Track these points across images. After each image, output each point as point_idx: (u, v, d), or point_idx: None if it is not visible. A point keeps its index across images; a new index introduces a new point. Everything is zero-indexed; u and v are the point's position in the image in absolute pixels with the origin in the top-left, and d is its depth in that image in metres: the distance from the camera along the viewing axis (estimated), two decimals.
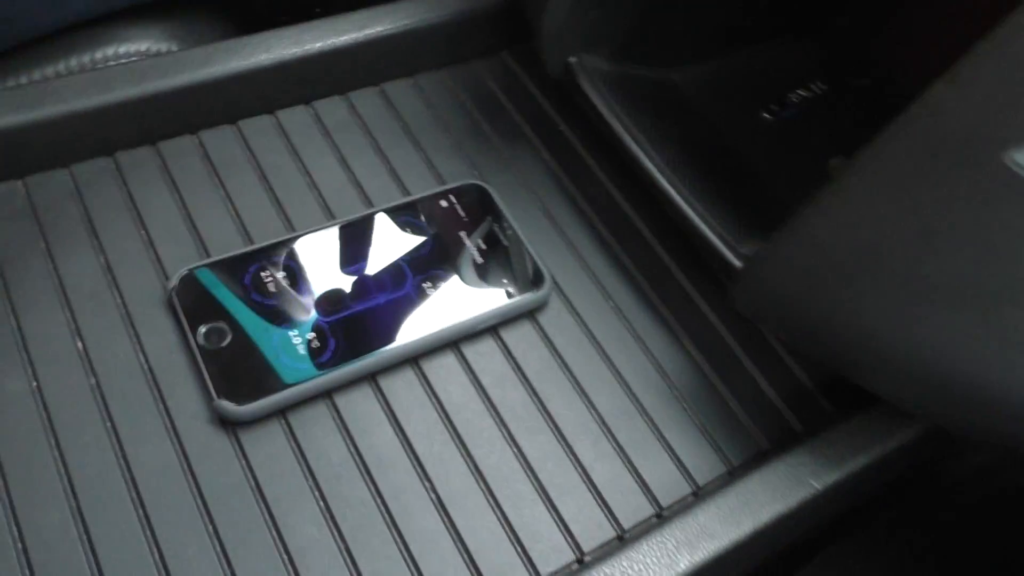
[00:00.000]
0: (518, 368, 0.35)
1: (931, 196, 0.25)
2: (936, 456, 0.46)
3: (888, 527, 0.44)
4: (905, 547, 0.45)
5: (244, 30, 0.50)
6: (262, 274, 0.35)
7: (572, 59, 0.39)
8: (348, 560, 0.30)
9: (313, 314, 0.34)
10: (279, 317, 0.34)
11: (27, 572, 0.28)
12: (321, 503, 0.31)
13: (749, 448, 0.34)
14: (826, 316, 0.28)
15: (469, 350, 0.36)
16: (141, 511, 0.30)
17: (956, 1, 0.43)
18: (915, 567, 0.44)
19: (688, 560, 0.29)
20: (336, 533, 0.31)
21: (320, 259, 0.36)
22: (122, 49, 0.45)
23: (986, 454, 0.47)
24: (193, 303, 0.34)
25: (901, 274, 0.26)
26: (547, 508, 0.32)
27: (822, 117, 0.42)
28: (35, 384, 0.32)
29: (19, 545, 0.29)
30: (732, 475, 0.33)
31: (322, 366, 0.33)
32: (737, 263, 0.32)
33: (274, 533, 0.30)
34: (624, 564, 0.29)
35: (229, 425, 0.32)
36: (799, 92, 0.42)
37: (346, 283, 0.36)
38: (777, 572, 0.41)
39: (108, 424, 0.32)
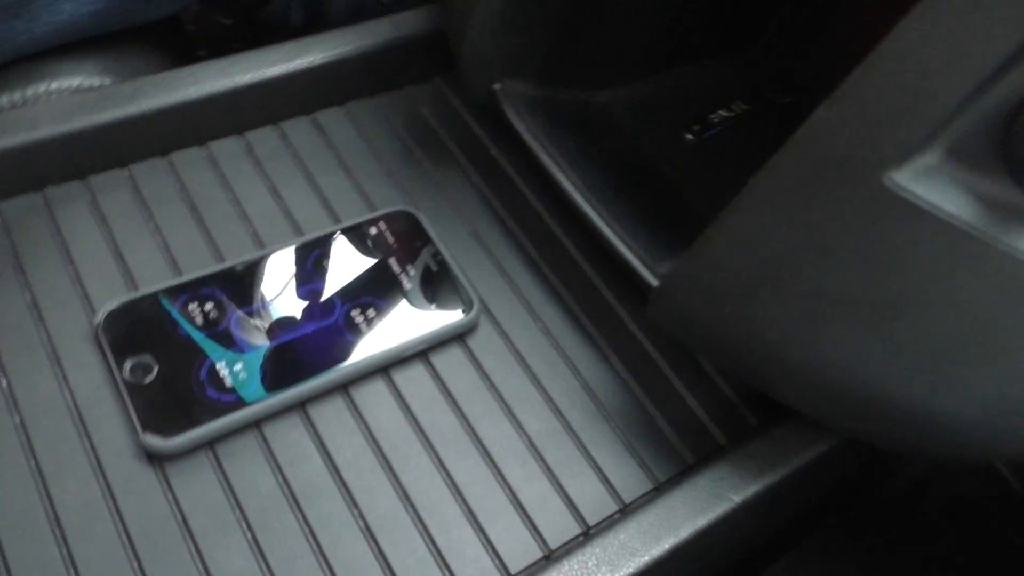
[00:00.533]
0: (447, 392, 0.36)
1: (819, 215, 0.26)
2: (868, 471, 0.47)
3: (823, 543, 0.45)
4: (842, 560, 0.46)
5: (178, 63, 0.50)
6: (190, 306, 0.36)
7: (496, 86, 0.40)
8: None
9: (242, 344, 0.35)
10: (208, 348, 0.34)
11: None
12: (248, 535, 0.31)
13: (676, 464, 0.35)
14: (733, 332, 0.29)
15: (399, 376, 0.36)
16: (64, 549, 0.30)
17: (874, 20, 0.44)
18: None
19: None
20: (263, 564, 0.31)
21: (249, 289, 0.37)
22: (54, 85, 0.45)
23: (919, 466, 0.48)
24: (119, 337, 0.34)
25: (796, 290, 0.27)
26: (475, 531, 0.32)
27: (744, 135, 0.43)
28: None
29: None
30: (659, 491, 0.34)
31: (249, 397, 0.33)
32: (654, 282, 0.33)
33: (199, 567, 0.30)
34: None
35: (156, 459, 0.32)
36: (721, 112, 0.43)
37: (276, 312, 0.36)
38: None
39: (32, 462, 0.32)
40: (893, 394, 0.26)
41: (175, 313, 0.35)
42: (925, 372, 0.25)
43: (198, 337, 0.35)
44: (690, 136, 0.42)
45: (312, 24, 0.57)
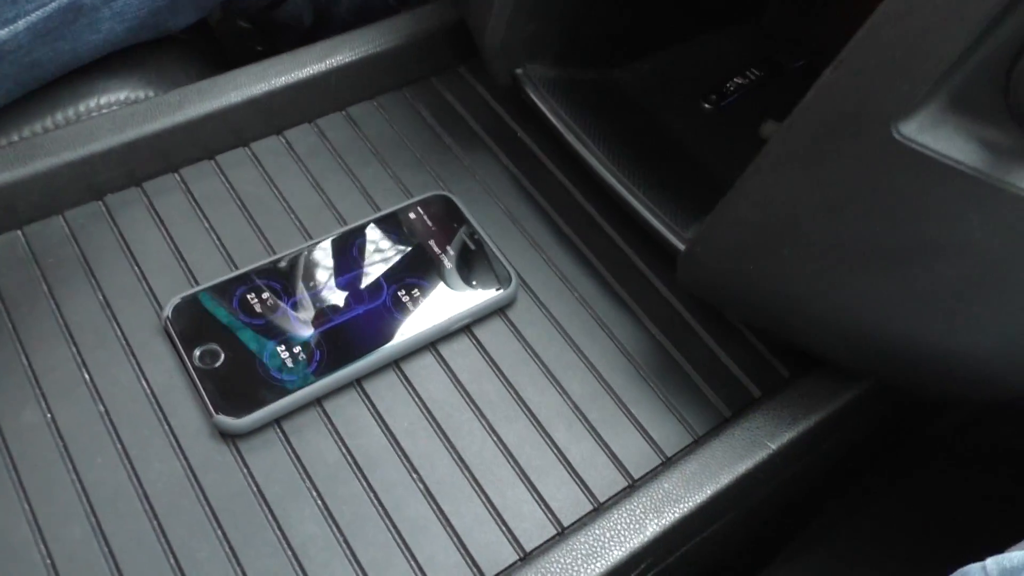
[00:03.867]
0: (492, 362, 0.38)
1: (832, 171, 0.27)
2: (905, 417, 0.48)
3: (867, 491, 0.47)
4: (888, 509, 0.47)
5: (213, 69, 0.53)
6: (248, 296, 0.38)
7: (518, 70, 0.42)
8: (348, 551, 0.33)
9: (299, 328, 0.37)
10: (267, 334, 0.37)
11: None
12: (319, 502, 0.34)
13: (713, 417, 0.37)
14: (758, 288, 0.31)
15: (446, 349, 0.38)
16: (155, 522, 0.33)
17: None
18: (899, 529, 0.47)
19: (656, 523, 0.32)
20: (335, 528, 0.33)
21: (301, 277, 0.39)
22: (103, 100, 0.47)
23: (961, 411, 0.50)
24: (187, 328, 0.37)
25: (815, 244, 0.28)
26: (528, 488, 0.35)
27: (759, 102, 0.44)
28: (49, 416, 0.35)
29: (47, 561, 0.31)
30: (698, 444, 0.36)
31: (310, 376, 0.36)
32: (681, 246, 0.35)
33: (278, 533, 0.33)
34: (597, 532, 0.32)
35: (229, 438, 0.35)
36: (736, 80, 0.44)
37: (328, 297, 0.38)
38: (769, 546, 0.43)
39: (119, 446, 0.34)
40: (912, 336, 0.28)
41: (235, 302, 0.38)
42: (941, 312, 0.27)
43: (259, 324, 0.37)
44: (707, 105, 0.44)
45: (321, 23, 0.59)
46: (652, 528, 0.32)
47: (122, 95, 0.48)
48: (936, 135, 0.25)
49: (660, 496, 0.32)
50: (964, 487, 0.48)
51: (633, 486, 0.35)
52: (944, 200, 0.26)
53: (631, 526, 0.32)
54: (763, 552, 0.44)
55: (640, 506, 0.32)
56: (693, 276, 0.34)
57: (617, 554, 0.31)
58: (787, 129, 0.28)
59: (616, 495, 0.35)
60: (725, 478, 0.33)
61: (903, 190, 0.26)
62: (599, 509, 0.34)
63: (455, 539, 0.33)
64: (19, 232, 0.40)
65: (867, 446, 0.48)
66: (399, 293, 0.39)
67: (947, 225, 0.26)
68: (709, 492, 0.33)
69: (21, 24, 0.44)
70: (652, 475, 0.35)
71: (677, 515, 0.32)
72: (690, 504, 0.32)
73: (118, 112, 0.42)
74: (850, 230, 0.28)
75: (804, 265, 0.29)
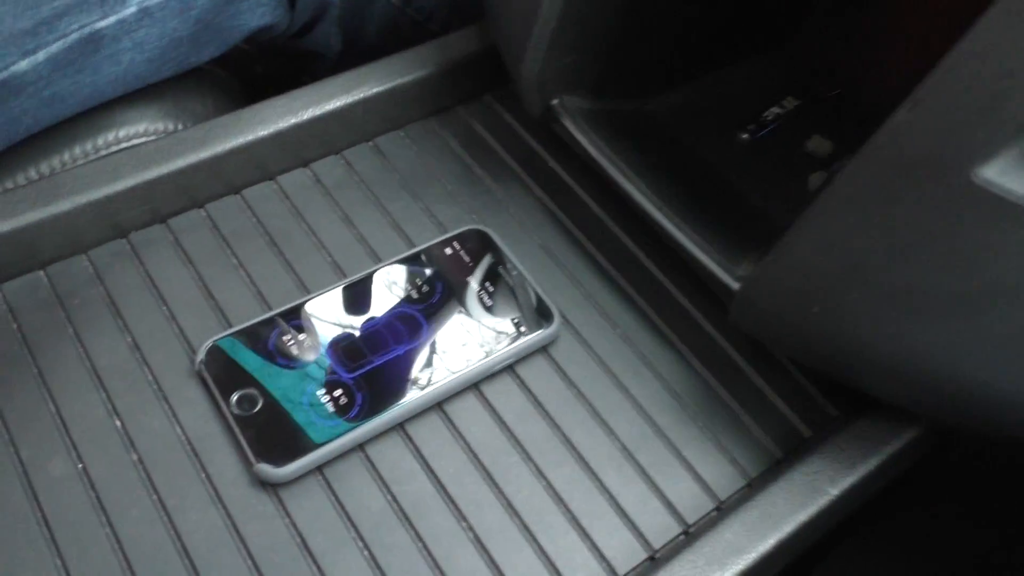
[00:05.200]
0: (537, 403, 0.37)
1: (905, 214, 0.27)
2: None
3: (900, 513, 0.46)
4: (917, 530, 0.47)
5: (235, 100, 0.52)
6: (284, 337, 0.37)
7: (553, 101, 0.41)
8: None
9: (338, 371, 0.36)
10: (306, 377, 0.36)
11: None
12: (366, 552, 0.33)
13: (765, 459, 0.36)
14: (821, 330, 0.30)
15: (489, 390, 0.37)
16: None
17: (912, 6, 0.45)
18: (927, 548, 0.46)
19: None
20: None
21: (337, 316, 0.38)
22: (122, 132, 0.46)
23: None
24: (222, 372, 0.36)
25: (886, 287, 0.28)
26: (580, 536, 0.34)
27: (797, 131, 0.44)
28: (80, 466, 0.34)
29: None
30: (751, 487, 0.35)
31: (351, 421, 0.35)
32: (734, 285, 0.34)
33: None
34: None
35: (270, 486, 0.34)
36: (774, 110, 0.44)
37: (365, 337, 0.37)
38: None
39: (154, 497, 0.33)
40: (985, 381, 0.28)
41: (271, 344, 0.37)
42: (1019, 359, 0.26)
43: (296, 367, 0.36)
44: (745, 135, 0.43)
45: (349, 48, 0.58)
46: None
47: (141, 127, 0.47)
48: (1018, 179, 0.25)
49: (722, 547, 0.31)
50: (993, 513, 0.47)
51: (688, 533, 0.34)
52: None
53: None
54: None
55: (702, 557, 0.31)
56: (749, 315, 0.33)
57: None
58: (854, 169, 0.27)
59: (671, 542, 0.34)
60: (787, 527, 0.32)
61: (981, 234, 0.26)
62: (655, 558, 0.33)
63: None
64: (42, 272, 0.39)
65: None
66: (440, 331, 0.38)
67: None
68: (772, 542, 0.32)
69: (41, 55, 0.43)
70: (708, 522, 0.34)
71: (741, 566, 0.31)
72: (753, 555, 0.31)
73: (141, 148, 0.41)
74: (923, 274, 0.27)
75: (872, 309, 0.28)
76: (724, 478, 0.35)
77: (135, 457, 0.34)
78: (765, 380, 0.38)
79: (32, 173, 0.44)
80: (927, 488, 0.48)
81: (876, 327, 0.28)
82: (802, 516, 0.32)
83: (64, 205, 0.39)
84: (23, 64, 0.42)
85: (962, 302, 0.27)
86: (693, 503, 0.35)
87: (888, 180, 0.27)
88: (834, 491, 0.33)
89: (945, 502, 0.49)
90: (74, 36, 0.43)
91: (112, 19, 0.44)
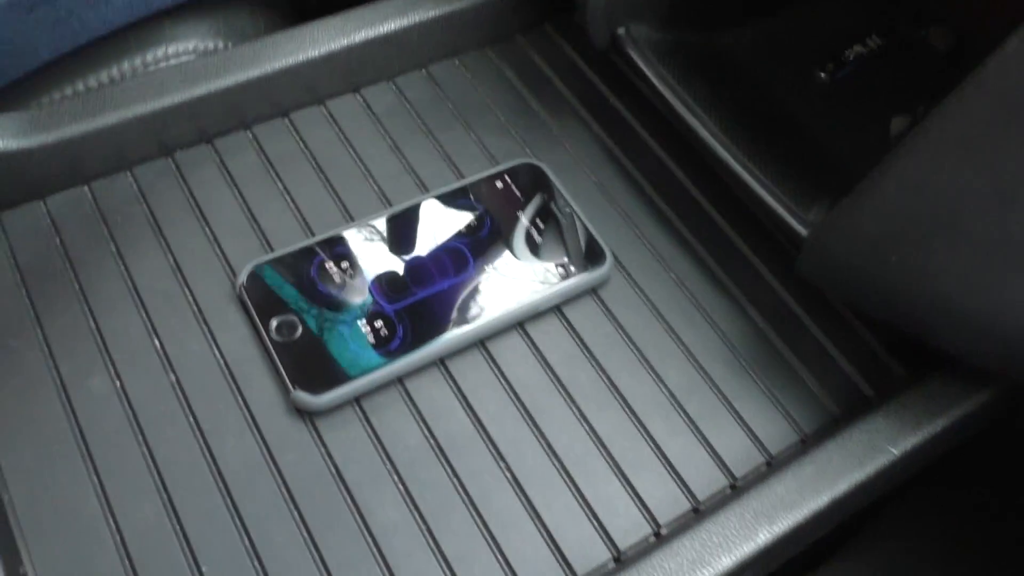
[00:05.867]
0: (584, 345, 0.36)
1: (1007, 156, 0.24)
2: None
3: (946, 485, 0.44)
4: (964, 504, 0.45)
5: (287, 21, 0.50)
6: (327, 265, 0.36)
7: (620, 30, 0.39)
8: (431, 541, 0.31)
9: (380, 302, 0.35)
10: (347, 307, 0.35)
11: (127, 563, 0.29)
12: (400, 487, 0.32)
13: (821, 416, 0.34)
14: (899, 281, 0.28)
15: (534, 330, 0.36)
16: (229, 501, 0.31)
17: None
18: (974, 523, 0.44)
19: (768, 531, 0.30)
20: (417, 515, 0.31)
21: (381, 247, 0.37)
22: (171, 49, 0.45)
23: None
24: (262, 298, 0.35)
25: (979, 236, 0.25)
26: (622, 483, 0.32)
27: (880, 73, 0.41)
28: (119, 384, 0.33)
29: (117, 538, 0.30)
30: (805, 444, 0.33)
31: (391, 353, 0.34)
32: (803, 231, 0.32)
33: (357, 517, 0.31)
34: (703, 536, 0.30)
35: (306, 415, 0.33)
36: (854, 48, 0.41)
37: (409, 270, 0.36)
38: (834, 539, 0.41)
39: (191, 419, 0.33)
40: None
41: (314, 272, 0.36)
42: None
43: (337, 295, 0.35)
44: (823, 75, 0.40)
45: None
46: (764, 536, 0.29)
47: (191, 44, 0.46)
48: None
49: (772, 501, 0.30)
50: None
51: (735, 487, 0.33)
52: None
53: (740, 532, 0.30)
54: (820, 550, 0.42)
55: (751, 511, 0.30)
56: (819, 264, 0.31)
57: (725, 562, 0.29)
58: (955, 105, 0.25)
59: (716, 494, 0.32)
60: (843, 485, 0.30)
61: None
62: (699, 510, 0.32)
63: (544, 534, 0.31)
64: (86, 188, 0.38)
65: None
66: (485, 266, 0.36)
67: None
68: (826, 499, 0.30)
69: None
70: (757, 477, 0.32)
71: (791, 523, 0.30)
72: (805, 511, 0.30)
73: (188, 64, 0.40)
74: (1021, 223, 0.24)
75: (961, 260, 0.26)
76: (777, 433, 0.34)
77: (173, 378, 0.34)
78: (827, 335, 0.36)
79: (80, 87, 0.43)
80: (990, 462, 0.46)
81: (963, 280, 0.26)
82: (859, 475, 0.30)
83: (110, 119, 0.38)
84: None
85: None
86: (742, 456, 0.33)
87: (991, 116, 0.24)
88: (895, 451, 0.31)
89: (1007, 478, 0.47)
90: None
91: None
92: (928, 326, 0.29)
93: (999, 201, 0.25)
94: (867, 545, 0.44)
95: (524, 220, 0.38)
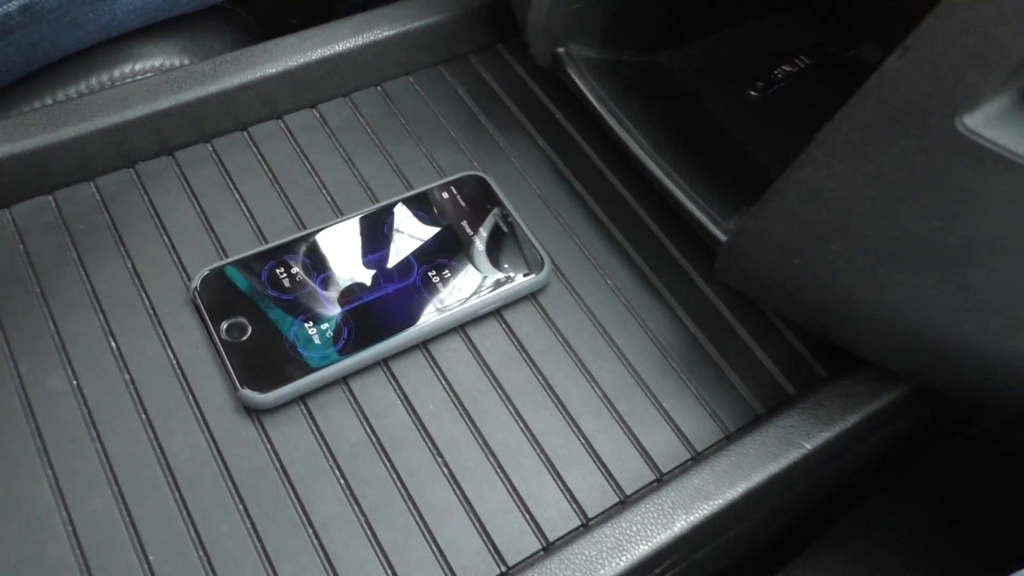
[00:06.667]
0: (522, 348, 0.37)
1: (890, 164, 0.26)
2: (947, 417, 0.47)
3: (903, 490, 0.45)
4: (921, 509, 0.46)
5: (252, 39, 0.52)
6: (277, 270, 0.38)
7: (560, 50, 0.41)
8: (369, 532, 0.32)
9: (327, 305, 0.37)
10: (295, 309, 0.36)
11: (77, 552, 0.31)
12: (341, 481, 0.33)
13: (745, 414, 0.36)
14: (802, 284, 0.30)
15: (475, 332, 0.38)
16: (177, 494, 0.33)
17: None
18: (930, 529, 0.45)
19: (684, 520, 0.31)
20: (357, 508, 0.33)
21: (331, 253, 0.38)
22: (138, 66, 0.47)
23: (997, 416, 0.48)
24: (214, 301, 0.37)
25: (868, 239, 0.27)
26: (553, 478, 0.34)
27: (808, 90, 0.43)
28: (75, 382, 0.35)
29: (69, 528, 0.31)
30: (729, 440, 0.35)
31: (337, 354, 0.35)
32: (723, 237, 0.34)
33: (299, 511, 0.33)
34: (623, 525, 0.31)
35: (253, 412, 0.35)
36: (784, 68, 0.43)
37: (357, 275, 0.38)
38: (792, 545, 0.42)
39: (143, 416, 0.34)
40: (967, 339, 0.27)
41: (264, 276, 0.37)
42: (999, 315, 0.26)
43: (287, 299, 0.37)
44: (754, 93, 0.43)
45: None
46: (680, 524, 0.31)
47: (157, 62, 0.48)
48: (1004, 130, 0.24)
49: (690, 492, 0.32)
50: (998, 493, 0.46)
51: (661, 480, 0.34)
52: (1009, 198, 0.24)
53: (658, 521, 0.31)
54: (783, 552, 0.44)
55: (668, 501, 0.31)
56: (733, 268, 0.33)
57: (643, 548, 0.31)
58: (842, 119, 0.27)
59: (643, 488, 0.34)
60: (757, 476, 0.32)
61: (965, 186, 0.25)
62: (625, 502, 0.33)
63: (478, 526, 0.33)
64: (50, 197, 0.40)
65: (900, 449, 0.47)
66: (429, 273, 0.38)
67: (1009, 224, 0.25)
68: (741, 490, 0.32)
69: None
70: (681, 470, 0.34)
71: (707, 512, 0.31)
72: (720, 501, 0.31)
73: (152, 79, 0.42)
74: (906, 226, 0.26)
75: (854, 261, 0.28)
76: (703, 430, 0.35)
77: (127, 377, 0.35)
78: (754, 338, 0.38)
79: (48, 101, 0.45)
80: (941, 468, 0.47)
81: (857, 280, 0.28)
82: (773, 467, 0.32)
83: (74, 131, 0.40)
84: None
85: (945, 256, 0.26)
86: (669, 452, 0.35)
87: (875, 129, 0.26)
88: (808, 445, 0.32)
89: (958, 482, 0.48)
90: None
91: None
92: (831, 327, 0.31)
93: (884, 206, 0.27)
94: (827, 548, 0.45)
95: (468, 228, 0.40)
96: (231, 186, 0.41)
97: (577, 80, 0.40)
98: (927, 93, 0.25)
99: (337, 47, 0.44)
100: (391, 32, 0.45)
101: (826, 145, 0.28)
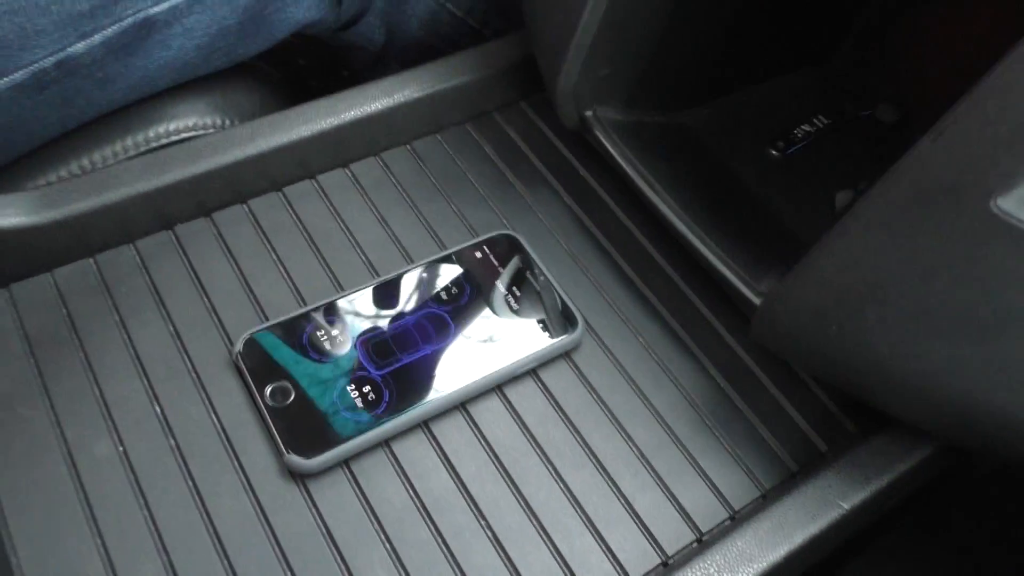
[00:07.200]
0: (558, 407, 0.38)
1: (925, 239, 0.27)
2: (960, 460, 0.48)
3: (917, 528, 0.46)
4: (933, 546, 0.47)
5: (278, 95, 0.54)
6: (318, 333, 0.38)
7: (587, 112, 0.42)
8: None
9: (367, 367, 0.37)
10: (337, 372, 0.37)
11: None
12: (387, 546, 0.34)
13: (780, 471, 0.37)
14: (838, 349, 0.31)
15: (512, 392, 0.38)
16: (226, 561, 0.33)
17: (945, 29, 0.45)
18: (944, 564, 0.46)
19: None
20: (403, 573, 0.33)
21: (369, 315, 0.39)
22: (172, 126, 0.48)
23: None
24: (257, 364, 0.37)
25: (904, 309, 0.28)
26: (595, 539, 0.35)
27: (827, 150, 0.44)
28: (121, 449, 0.35)
29: None
30: (765, 498, 0.36)
31: (378, 417, 0.36)
32: (755, 300, 0.35)
33: (346, 575, 0.33)
34: None
35: (298, 477, 0.35)
36: (804, 127, 0.44)
37: (394, 336, 0.39)
38: None
39: (189, 482, 0.35)
40: (998, 406, 0.28)
41: (305, 339, 0.38)
42: None
43: (328, 362, 0.37)
44: (774, 152, 0.44)
45: (391, 41, 0.59)
46: None
47: (191, 121, 0.49)
48: None
49: (734, 555, 0.32)
50: (1002, 531, 0.47)
51: (701, 540, 0.35)
52: None
53: None
54: None
55: (714, 565, 0.32)
56: (769, 331, 0.34)
57: None
58: (878, 194, 0.28)
59: (684, 549, 0.35)
60: (799, 538, 0.33)
61: (998, 262, 0.26)
62: (668, 564, 0.34)
63: None
64: (92, 260, 0.41)
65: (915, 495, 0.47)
66: (465, 332, 0.39)
67: None
68: (783, 552, 0.32)
69: (97, 38, 0.44)
70: (721, 531, 0.34)
71: (750, 574, 0.32)
72: (764, 564, 0.32)
73: (190, 143, 0.43)
74: (940, 298, 0.27)
75: (889, 330, 0.29)
76: (739, 488, 0.36)
77: (172, 443, 0.36)
78: (784, 394, 0.39)
79: (85, 162, 0.46)
80: (949, 504, 0.48)
81: (892, 348, 0.29)
82: (813, 528, 0.33)
83: (115, 196, 0.40)
84: (80, 46, 0.44)
85: (978, 327, 0.27)
86: (707, 511, 0.35)
87: (910, 206, 0.27)
88: (846, 505, 0.33)
89: (967, 519, 0.49)
90: (128, 20, 0.45)
91: (165, 5, 0.46)
92: (867, 389, 0.32)
93: (919, 277, 0.28)
94: None
95: (502, 288, 0.41)
96: (268, 246, 0.42)
97: (605, 142, 0.41)
98: (961, 175, 0.26)
99: (368, 108, 0.45)
100: (420, 93, 0.46)
101: (862, 217, 0.29)
